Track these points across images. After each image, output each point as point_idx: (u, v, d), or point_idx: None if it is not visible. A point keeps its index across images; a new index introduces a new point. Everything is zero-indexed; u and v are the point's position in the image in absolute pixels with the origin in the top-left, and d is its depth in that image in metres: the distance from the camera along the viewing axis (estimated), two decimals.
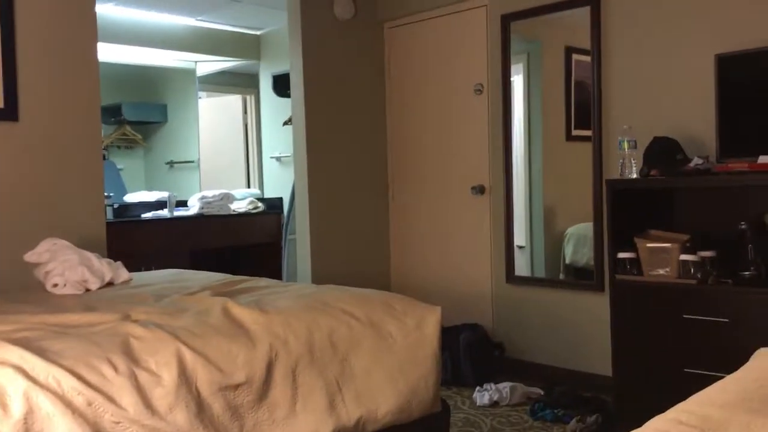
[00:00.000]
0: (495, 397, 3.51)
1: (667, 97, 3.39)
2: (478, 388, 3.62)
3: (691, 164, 2.95)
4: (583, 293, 3.76)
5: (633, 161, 3.09)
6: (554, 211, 4.11)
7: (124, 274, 2.89)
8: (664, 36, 3.39)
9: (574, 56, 3.90)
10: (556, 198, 4.09)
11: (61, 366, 1.65)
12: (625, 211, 3.10)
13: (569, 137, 3.96)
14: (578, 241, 3.94)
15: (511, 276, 4.07)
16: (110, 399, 1.66)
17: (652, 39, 3.44)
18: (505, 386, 3.55)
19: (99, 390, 1.65)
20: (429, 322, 2.41)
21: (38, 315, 2.08)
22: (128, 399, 1.69)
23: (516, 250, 4.10)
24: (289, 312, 2.19)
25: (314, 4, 4.31)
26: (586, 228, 3.78)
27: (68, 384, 1.62)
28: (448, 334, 3.87)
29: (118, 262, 2.94)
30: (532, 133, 4.09)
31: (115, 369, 1.71)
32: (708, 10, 3.24)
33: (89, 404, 1.63)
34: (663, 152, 3.05)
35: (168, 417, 1.74)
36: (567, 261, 3.99)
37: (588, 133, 3.70)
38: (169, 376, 1.78)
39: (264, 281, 2.80)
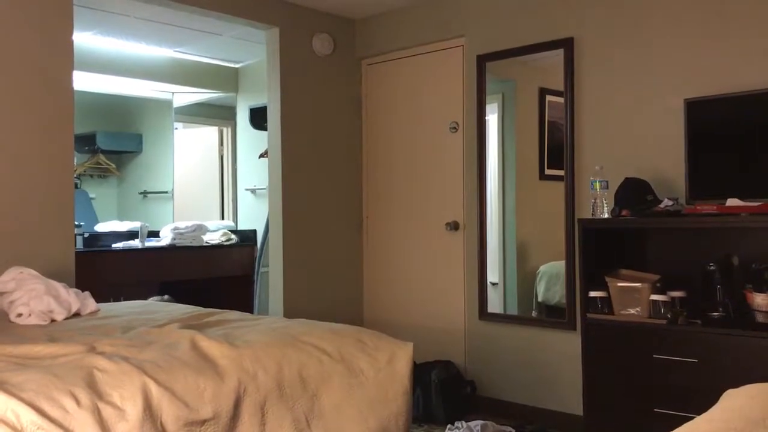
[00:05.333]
0: None
1: (638, 139, 3.45)
2: (449, 426, 3.57)
3: (662, 205, 3.00)
4: (555, 331, 3.76)
5: (605, 201, 3.13)
6: (527, 249, 4.14)
7: (91, 304, 2.84)
8: (635, 79, 3.47)
9: (548, 97, 3.97)
10: (528, 236, 4.12)
11: (20, 399, 1.60)
12: (597, 250, 3.14)
13: (542, 176, 4.00)
14: (550, 279, 3.96)
15: (484, 313, 4.07)
16: None
17: (624, 82, 3.51)
18: (477, 424, 3.51)
19: (60, 425, 1.61)
20: (401, 359, 2.40)
21: None
22: None
23: (489, 286, 4.11)
24: (259, 346, 2.16)
25: (293, 40, 4.35)
26: (559, 266, 3.80)
27: (27, 418, 1.57)
28: (420, 371, 3.84)
29: (86, 293, 2.89)
30: (506, 172, 4.13)
31: (78, 402, 1.67)
32: (679, 56, 3.33)
33: None
34: (634, 193, 3.10)
35: None
36: (539, 299, 4.00)
37: (560, 172, 3.75)
38: (133, 410, 1.74)
39: (234, 314, 2.77)
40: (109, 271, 4.47)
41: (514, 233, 4.11)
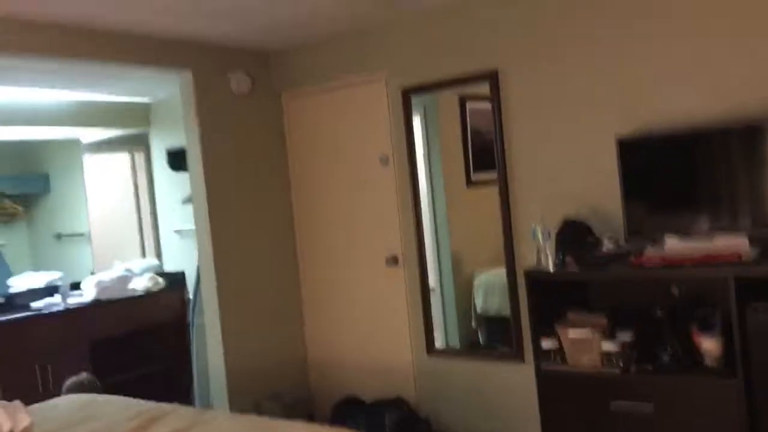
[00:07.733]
0: None
1: (573, 174, 3.41)
2: None
3: (603, 248, 3.02)
4: (503, 363, 3.75)
5: (548, 252, 3.10)
6: (462, 257, 4.11)
7: (23, 418, 2.62)
8: (566, 114, 3.41)
9: (468, 104, 3.94)
10: (463, 245, 4.10)
11: None
12: (543, 295, 3.13)
13: (469, 183, 3.98)
14: (487, 290, 3.98)
15: (431, 348, 4.03)
16: None
17: (554, 117, 3.45)
18: None
19: None
20: None
21: None
22: None
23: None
24: None
25: (208, 80, 4.12)
26: (493, 276, 3.83)
27: None
28: (373, 414, 3.80)
29: (16, 403, 2.68)
30: (434, 181, 4.08)
31: None
32: (609, 93, 3.28)
33: None
34: (574, 236, 3.11)
35: None
36: (478, 310, 4.02)
37: (489, 176, 3.70)
38: None
39: (183, 413, 2.62)
40: (33, 339, 4.20)
41: (447, 242, 4.08)
